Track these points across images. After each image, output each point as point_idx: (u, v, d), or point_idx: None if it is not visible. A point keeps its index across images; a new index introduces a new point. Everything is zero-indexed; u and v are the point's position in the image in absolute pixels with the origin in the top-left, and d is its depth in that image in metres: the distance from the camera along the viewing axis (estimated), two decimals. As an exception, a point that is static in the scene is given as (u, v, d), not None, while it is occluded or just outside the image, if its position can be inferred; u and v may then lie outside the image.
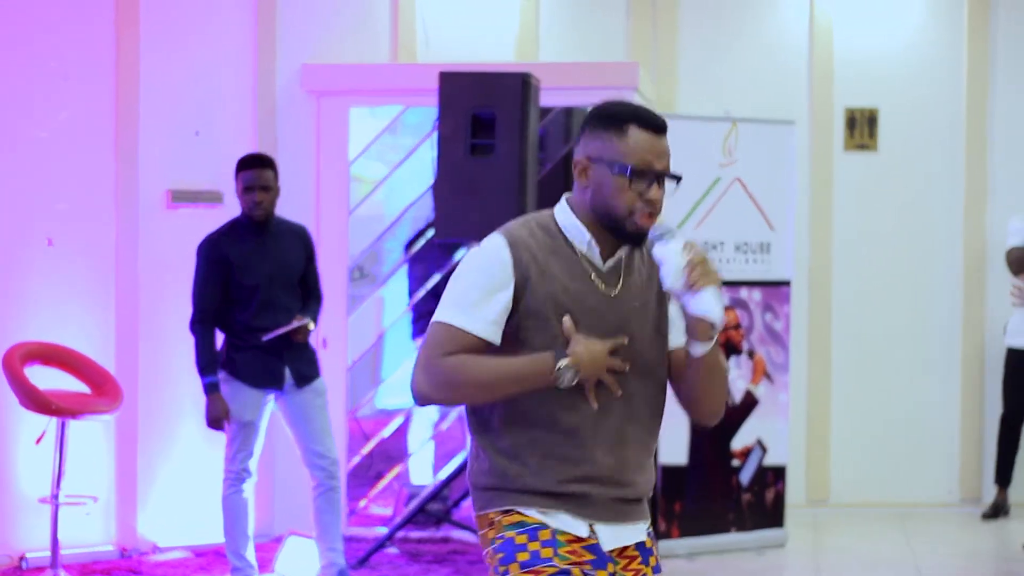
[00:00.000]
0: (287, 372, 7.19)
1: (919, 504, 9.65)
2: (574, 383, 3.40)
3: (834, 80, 9.66)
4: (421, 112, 9.11)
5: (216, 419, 7.09)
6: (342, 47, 8.90)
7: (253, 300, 7.13)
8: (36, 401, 7.18)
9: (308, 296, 7.40)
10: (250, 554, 7.27)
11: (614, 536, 3.53)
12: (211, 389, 7.08)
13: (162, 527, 8.30)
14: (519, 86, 7.61)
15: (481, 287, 3.44)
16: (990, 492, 9.55)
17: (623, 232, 3.49)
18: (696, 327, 3.44)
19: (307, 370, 7.27)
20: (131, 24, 8.19)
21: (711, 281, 3.39)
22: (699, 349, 3.47)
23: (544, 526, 3.46)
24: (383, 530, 8.45)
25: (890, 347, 9.73)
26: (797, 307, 9.25)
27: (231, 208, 8.50)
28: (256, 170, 7.25)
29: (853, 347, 9.71)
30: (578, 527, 3.49)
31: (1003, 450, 9.37)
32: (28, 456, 7.74)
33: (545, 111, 9.18)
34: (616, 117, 3.48)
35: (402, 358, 9.50)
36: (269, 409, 7.24)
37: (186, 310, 8.46)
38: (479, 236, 7.86)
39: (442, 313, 3.45)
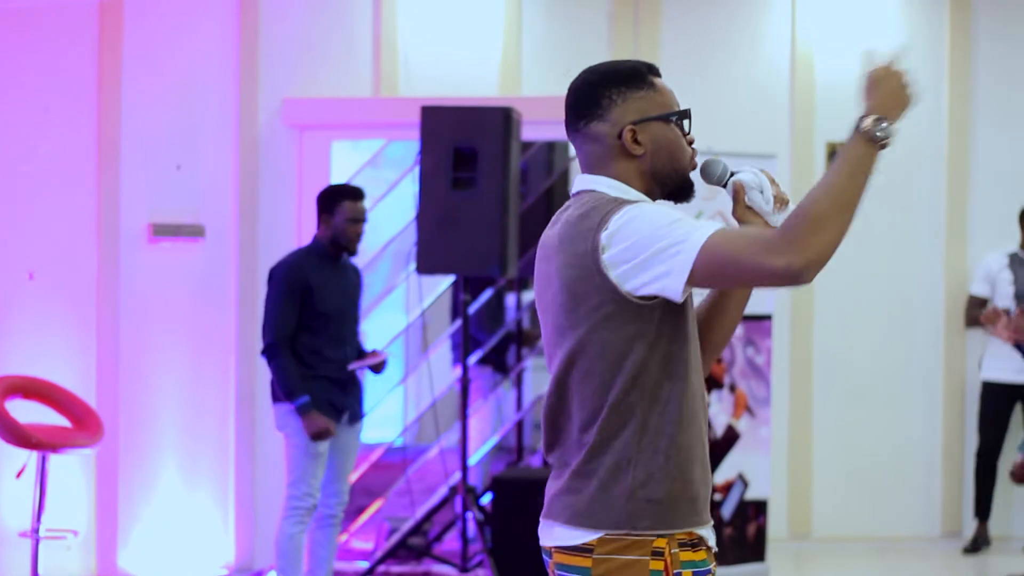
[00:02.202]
0: (346, 408, 7.21)
1: (901, 538, 9.65)
2: (894, 132, 3.28)
3: (816, 114, 9.68)
4: (403, 146, 9.12)
5: (319, 432, 6.98)
6: (324, 81, 8.91)
7: (326, 328, 7.12)
8: (16, 435, 7.15)
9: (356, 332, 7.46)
10: None
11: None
12: (304, 410, 6.97)
13: (143, 562, 8.27)
14: (501, 120, 7.62)
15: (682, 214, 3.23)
16: (971, 526, 9.55)
17: (684, 185, 3.38)
18: None
19: (359, 409, 7.32)
20: (113, 58, 8.19)
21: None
22: None
23: (709, 569, 3.25)
24: (364, 564, 8.42)
25: (871, 381, 9.73)
26: (778, 341, 9.26)
27: (212, 242, 8.49)
28: (362, 202, 7.24)
29: (834, 381, 9.71)
30: (712, 535, 3.32)
31: (980, 484, 9.38)
32: (8, 490, 7.72)
33: (527, 145, 9.21)
34: (637, 73, 3.35)
35: (382, 393, 9.48)
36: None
37: (166, 342, 8.45)
38: (461, 270, 7.90)
39: (700, 232, 3.13)
